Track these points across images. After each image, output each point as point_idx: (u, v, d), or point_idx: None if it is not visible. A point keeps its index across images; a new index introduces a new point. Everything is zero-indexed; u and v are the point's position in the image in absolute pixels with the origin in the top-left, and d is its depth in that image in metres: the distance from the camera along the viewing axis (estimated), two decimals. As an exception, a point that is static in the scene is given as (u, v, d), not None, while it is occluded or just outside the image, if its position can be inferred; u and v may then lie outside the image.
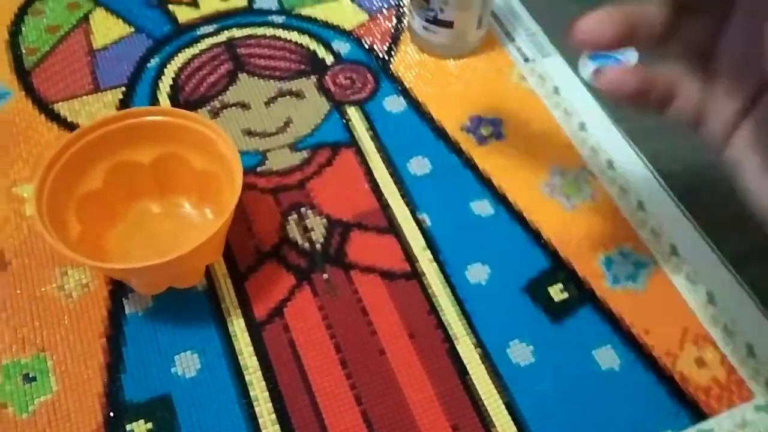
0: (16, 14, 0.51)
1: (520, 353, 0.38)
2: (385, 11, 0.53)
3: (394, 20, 0.53)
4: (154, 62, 0.49)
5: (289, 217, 0.42)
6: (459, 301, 0.39)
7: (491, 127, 0.47)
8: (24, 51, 0.49)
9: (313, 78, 0.49)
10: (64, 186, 0.37)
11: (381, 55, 0.51)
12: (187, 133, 0.39)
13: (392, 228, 0.42)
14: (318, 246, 0.41)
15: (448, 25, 0.48)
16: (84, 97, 0.47)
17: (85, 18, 0.51)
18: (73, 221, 0.37)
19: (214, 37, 0.51)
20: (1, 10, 0.51)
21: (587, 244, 0.42)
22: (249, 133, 0.46)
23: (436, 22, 0.48)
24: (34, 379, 0.36)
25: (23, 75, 0.48)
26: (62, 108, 0.47)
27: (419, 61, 0.50)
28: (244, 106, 0.47)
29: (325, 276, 0.40)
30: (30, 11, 0.52)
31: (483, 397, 0.36)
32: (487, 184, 0.44)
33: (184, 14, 0.52)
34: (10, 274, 0.39)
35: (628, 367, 0.37)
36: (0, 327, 0.38)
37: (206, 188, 0.40)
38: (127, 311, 0.38)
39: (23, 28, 0.51)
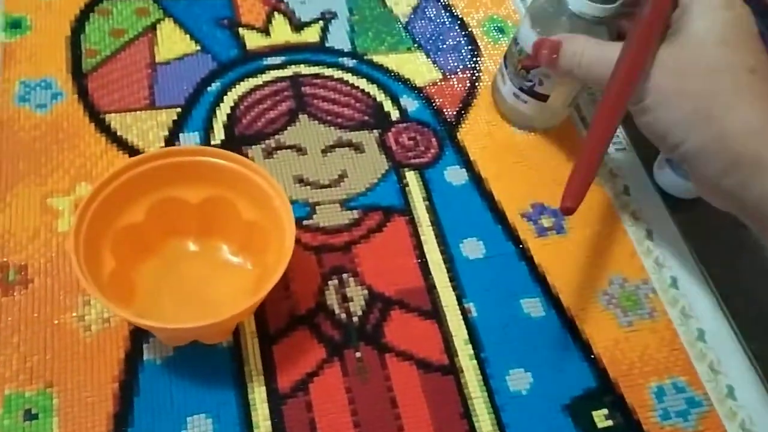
0: (82, 10, 0.49)
1: (554, 482, 0.35)
2: (460, 73, 0.51)
3: (468, 84, 0.50)
4: (215, 86, 0.47)
5: (330, 282, 0.40)
6: (495, 409, 0.37)
7: (553, 218, 0.44)
8: (84, 51, 0.47)
9: (376, 132, 0.47)
10: (105, 217, 0.34)
11: (449, 120, 0.48)
12: (243, 181, 0.37)
13: (436, 313, 0.40)
14: (355, 319, 0.39)
15: (543, 98, 0.45)
16: (138, 112, 0.45)
17: (152, 27, 0.49)
18: (107, 256, 0.34)
19: (281, 70, 0.49)
20: (66, 3, 0.49)
21: (639, 369, 0.39)
22: (300, 180, 0.44)
23: (530, 92, 0.45)
24: (35, 417, 0.34)
25: (79, 77, 0.46)
26: (114, 120, 0.44)
27: (488, 132, 0.48)
28: (300, 150, 0.45)
29: (358, 354, 0.38)
30: (97, 9, 0.50)
31: None
32: (541, 281, 0.42)
33: (253, 40, 0.50)
34: (30, 294, 0.37)
35: None
36: (9, 351, 0.35)
37: (250, 239, 0.38)
38: (145, 357, 0.36)
39: (87, 27, 0.49)
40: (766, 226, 0.34)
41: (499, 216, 0.44)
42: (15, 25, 0.47)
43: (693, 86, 0.34)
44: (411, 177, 0.45)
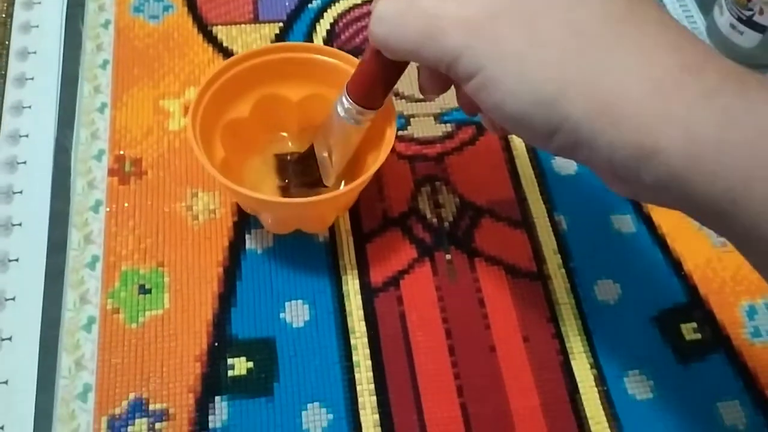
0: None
1: (639, 386, 0.35)
2: None
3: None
4: (315, 3, 0.48)
5: (422, 189, 0.41)
6: (582, 315, 0.37)
7: (649, 140, 0.44)
8: (193, -32, 0.49)
9: (471, 51, 0.47)
10: (215, 110, 0.36)
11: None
12: (342, 77, 0.38)
13: (525, 223, 0.40)
14: (446, 224, 0.40)
15: (761, 29, 0.44)
16: (242, 25, 0.47)
17: (258, -54, 0.51)
18: (218, 146, 0.36)
19: (379, -11, 0.49)
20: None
21: (731, 287, 0.39)
22: (396, 94, 0.45)
23: (748, 22, 0.44)
24: (149, 291, 0.36)
25: (188, -9, 0.48)
26: (220, 32, 0.46)
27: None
28: (397, 65, 0.46)
29: (448, 257, 0.39)
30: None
31: (590, 422, 0.34)
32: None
33: (353, -40, 0.51)
34: (144, 184, 0.40)
35: (755, 429, 0.34)
36: (126, 233, 0.38)
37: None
38: (247, 246, 0.38)
39: (196, -51, 0.51)
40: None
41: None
42: (130, -57, 0.50)
43: (548, 33, 0.24)
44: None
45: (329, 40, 0.47)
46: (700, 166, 0.22)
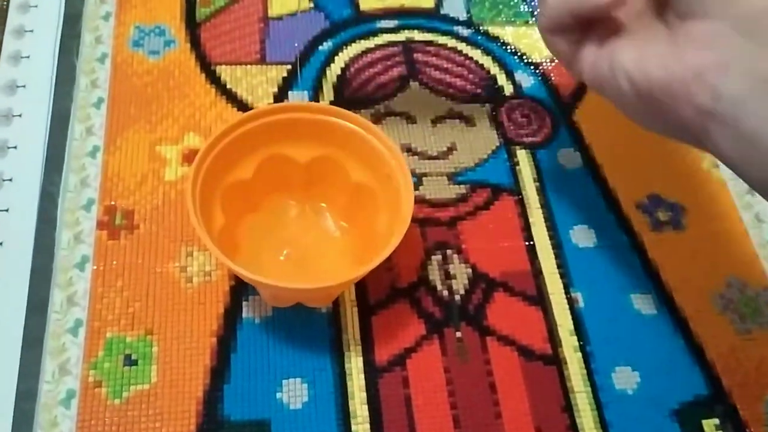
0: (198, -42, 0.49)
1: (658, 490, 0.33)
2: (579, 51, 0.48)
3: (588, 63, 0.48)
4: (326, 46, 0.46)
5: (433, 257, 0.39)
6: (599, 406, 0.35)
7: (671, 213, 0.42)
8: (198, 0, 0.47)
9: (488, 106, 0.45)
10: (216, 173, 0.34)
11: (565, 99, 0.46)
12: (354, 140, 0.35)
13: (541, 299, 0.38)
14: (457, 297, 0.37)
15: None
16: (248, 66, 0.44)
17: (267, -19, 0.48)
18: (217, 211, 0.34)
19: (393, 34, 0.47)
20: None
21: (756, 380, 0.37)
22: (409, 149, 0.42)
23: None
24: (135, 362, 0.34)
25: (192, 26, 0.45)
26: (224, 72, 0.44)
27: (605, 115, 0.45)
28: (410, 118, 0.43)
29: (459, 334, 0.36)
30: (213, -41, 0.49)
31: None
32: (654, 277, 0.39)
33: (367, 1, 0.48)
34: (135, 239, 0.37)
35: None
36: (113, 295, 0.35)
37: (356, 203, 0.37)
38: (244, 315, 0.36)
39: (202, -24, 0.48)
40: None
41: (613, 205, 0.42)
42: (132, -31, 0.47)
43: None
44: (522, 156, 0.43)
45: (339, 85, 0.44)
46: None
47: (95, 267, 0.36)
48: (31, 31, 0.43)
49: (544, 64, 0.47)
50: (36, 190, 0.38)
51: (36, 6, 0.44)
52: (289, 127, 0.35)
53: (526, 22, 0.49)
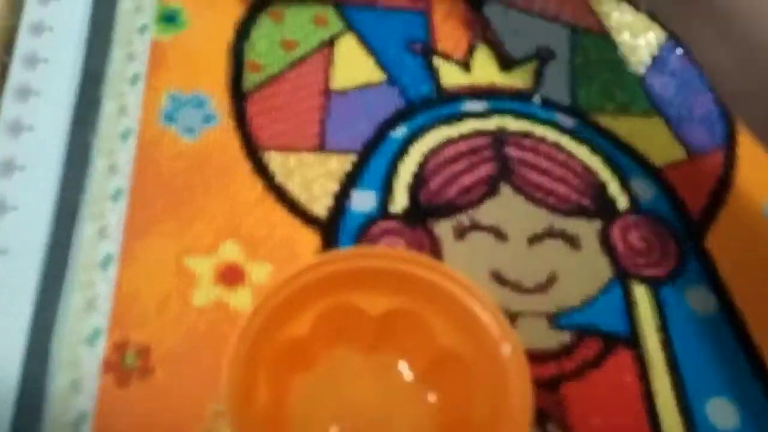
0: (250, 8, 0.40)
1: None
2: (710, 153, 0.39)
3: (721, 170, 0.39)
4: (400, 132, 0.37)
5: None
6: None
7: (830, 384, 0.33)
8: (246, 64, 0.38)
9: (597, 223, 0.36)
10: (264, 334, 0.25)
11: (694, 218, 0.37)
12: (445, 297, 0.27)
13: (670, 505, 0.29)
14: (561, 497, 0.28)
15: None
16: (303, 153, 0.36)
17: (330, 42, 0.40)
18: (262, 386, 0.25)
19: (482, 120, 0.38)
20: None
21: None
22: (498, 277, 0.34)
23: None
24: None
25: (238, 96, 0.37)
26: (273, 160, 0.35)
27: (746, 240, 0.36)
28: (500, 235, 0.35)
29: None
30: (267, 11, 0.40)
31: None
32: (814, 478, 0.30)
33: (450, 76, 0.40)
34: (150, 388, 0.29)
35: None
36: (116, 471, 0.27)
37: (441, 367, 0.28)
38: None
39: (253, 32, 0.39)
40: None
41: (759, 366, 0.33)
42: (169, 18, 0.39)
43: None
44: (640, 293, 0.34)
45: (415, 186, 0.35)
46: None
47: (95, 423, 0.27)
48: (38, 93, 0.35)
49: (667, 169, 0.38)
50: (26, 317, 0.29)
51: (46, 60, 0.36)
52: (357, 275, 0.27)
53: (644, 113, 0.40)
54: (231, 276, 0.32)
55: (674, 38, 0.42)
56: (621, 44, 0.42)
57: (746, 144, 0.39)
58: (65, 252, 0.31)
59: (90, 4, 0.38)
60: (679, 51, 0.42)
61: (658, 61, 0.42)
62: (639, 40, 0.42)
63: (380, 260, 0.27)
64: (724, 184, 0.38)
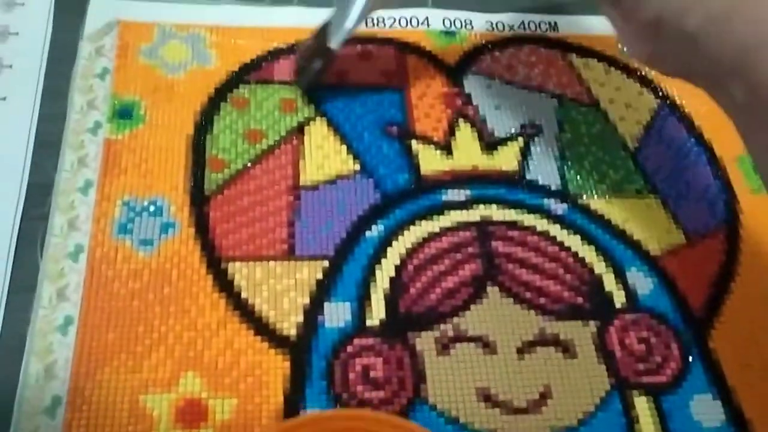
0: (211, 97, 0.37)
1: None
2: (709, 236, 0.36)
3: (723, 256, 0.36)
4: (376, 231, 0.34)
5: None
6: None
7: None
8: (208, 160, 0.35)
9: (593, 325, 0.33)
10: None
11: (696, 313, 0.34)
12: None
13: None
14: None
15: None
16: (271, 262, 0.33)
17: (299, 129, 0.37)
18: None
19: (464, 211, 0.36)
20: (192, 85, 0.38)
21: None
22: (486, 397, 0.31)
23: None
24: None
25: (199, 200, 0.34)
26: (238, 272, 0.32)
27: (754, 338, 0.33)
28: (487, 345, 0.32)
29: None
30: (230, 97, 0.38)
31: None
32: None
33: (429, 161, 0.37)
34: None
35: None
36: None
37: None
38: None
39: (215, 122, 0.37)
40: None
41: (773, 491, 0.30)
42: (124, 114, 0.36)
43: None
44: (641, 405, 0.31)
45: (393, 294, 0.33)
46: None
47: None
48: (-19, 212, 0.32)
49: (665, 256, 0.35)
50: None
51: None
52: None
53: (638, 192, 0.37)
54: (192, 414, 0.29)
55: (669, 103, 0.39)
56: (611, 113, 0.39)
57: (750, 218, 0.37)
58: (10, 390, 0.28)
59: (39, 101, 0.36)
60: (675, 118, 0.39)
61: (651, 132, 0.39)
62: (630, 109, 0.39)
63: (356, 421, 0.24)
64: (727, 270, 0.35)
